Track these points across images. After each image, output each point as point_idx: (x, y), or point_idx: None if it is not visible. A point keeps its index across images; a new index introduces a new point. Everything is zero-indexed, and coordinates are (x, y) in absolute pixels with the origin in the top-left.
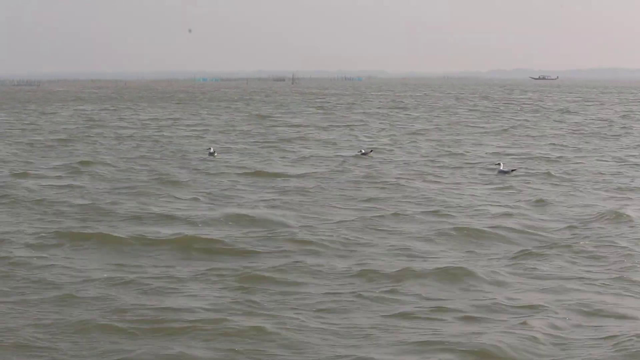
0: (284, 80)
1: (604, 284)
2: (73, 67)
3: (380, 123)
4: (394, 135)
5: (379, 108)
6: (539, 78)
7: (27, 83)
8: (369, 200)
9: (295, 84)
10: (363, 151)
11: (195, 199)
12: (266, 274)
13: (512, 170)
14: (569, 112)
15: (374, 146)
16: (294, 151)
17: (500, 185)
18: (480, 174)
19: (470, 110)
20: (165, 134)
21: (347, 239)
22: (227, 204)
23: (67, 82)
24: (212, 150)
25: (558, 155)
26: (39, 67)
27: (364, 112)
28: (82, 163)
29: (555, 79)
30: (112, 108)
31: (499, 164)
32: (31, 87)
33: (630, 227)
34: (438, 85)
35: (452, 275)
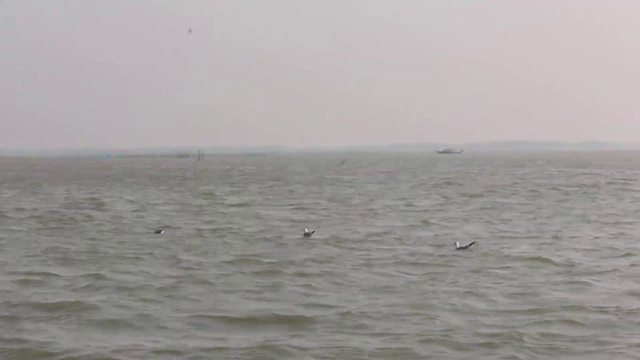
0: (188, 156)
1: None
2: None
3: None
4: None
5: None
6: (444, 152)
7: None
8: None
9: (201, 160)
10: (307, 231)
11: None
12: None
13: (471, 244)
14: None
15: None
16: None
17: None
18: None
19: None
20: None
21: None
22: None
23: None
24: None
25: None
26: None
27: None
28: None
29: (459, 152)
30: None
31: (455, 243)
32: None
33: None
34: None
35: None
